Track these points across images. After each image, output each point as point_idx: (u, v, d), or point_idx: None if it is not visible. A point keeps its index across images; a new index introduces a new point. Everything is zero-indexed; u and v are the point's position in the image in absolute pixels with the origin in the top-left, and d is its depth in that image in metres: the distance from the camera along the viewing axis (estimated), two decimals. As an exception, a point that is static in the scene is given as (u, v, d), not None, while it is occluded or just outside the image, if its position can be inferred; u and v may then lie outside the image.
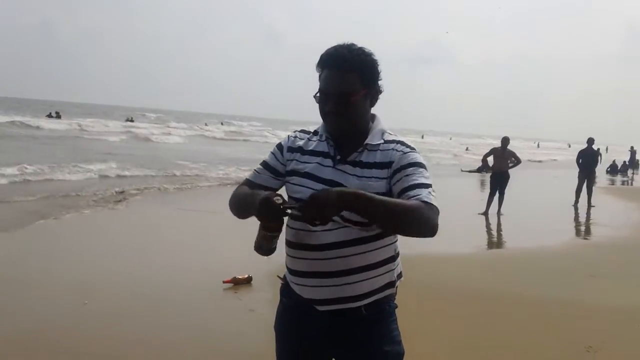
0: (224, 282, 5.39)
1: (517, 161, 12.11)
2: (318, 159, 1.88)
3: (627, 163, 32.00)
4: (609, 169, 29.56)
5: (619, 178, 27.96)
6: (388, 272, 1.88)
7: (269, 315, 2.18)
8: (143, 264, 6.24)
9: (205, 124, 54.56)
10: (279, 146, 1.99)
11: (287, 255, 1.94)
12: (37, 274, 5.63)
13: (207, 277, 5.62)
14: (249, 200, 1.81)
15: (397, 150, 1.83)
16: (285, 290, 1.99)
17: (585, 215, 12.73)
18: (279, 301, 2.04)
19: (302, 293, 1.90)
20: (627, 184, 25.35)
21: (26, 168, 12.59)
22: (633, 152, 33.71)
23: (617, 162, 30.82)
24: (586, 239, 10.11)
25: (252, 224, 1.86)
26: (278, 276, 2.06)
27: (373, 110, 1.92)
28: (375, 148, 1.85)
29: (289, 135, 2.01)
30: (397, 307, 1.96)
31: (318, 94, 1.85)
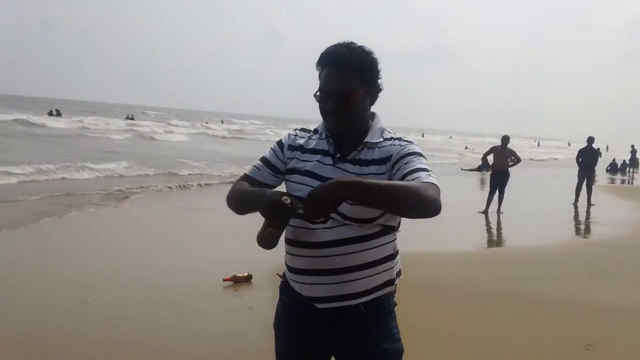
0: (224, 280, 5.39)
1: (517, 160, 12.12)
2: (318, 157, 1.89)
3: (626, 162, 32.00)
4: (608, 168, 29.57)
5: (618, 177, 27.97)
6: (387, 270, 1.88)
7: (269, 313, 2.18)
8: (144, 262, 6.25)
9: (206, 122, 54.51)
10: (280, 144, 1.99)
11: (287, 253, 1.94)
12: (37, 272, 5.64)
13: (207, 275, 5.63)
14: (255, 198, 1.80)
15: (394, 145, 1.84)
16: (285, 288, 1.99)
17: (585, 214, 12.74)
18: (278, 299, 2.04)
19: (302, 291, 1.90)
20: (627, 183, 25.36)
21: (36, 167, 12.59)
22: (634, 151, 33.72)
23: (617, 161, 30.83)
24: (586, 237, 10.11)
25: (253, 223, 1.87)
26: (277, 274, 2.06)
27: (373, 109, 1.92)
28: (374, 146, 1.85)
29: (289, 134, 2.01)
30: (396, 304, 1.96)
31: (318, 93, 1.85)
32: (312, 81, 1.88)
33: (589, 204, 13.70)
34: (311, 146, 1.93)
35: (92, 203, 9.76)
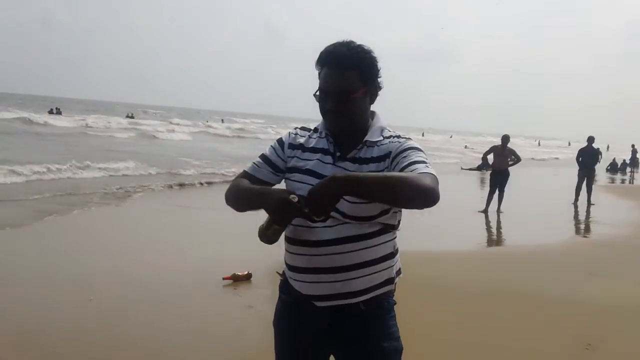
0: (223, 278, 5.40)
1: (517, 159, 12.12)
2: (318, 156, 1.89)
3: (626, 161, 32.01)
4: (608, 167, 29.58)
5: (618, 176, 27.97)
6: (387, 268, 1.88)
7: (269, 311, 2.18)
8: (144, 261, 6.26)
9: (207, 121, 54.54)
10: (280, 142, 1.99)
11: (286, 251, 1.95)
12: (37, 271, 5.64)
13: (207, 274, 5.63)
14: (259, 196, 1.80)
15: (393, 142, 1.84)
16: (284, 286, 1.99)
17: (585, 213, 12.74)
18: (278, 298, 2.04)
19: (301, 289, 1.91)
20: (627, 183, 25.36)
21: (39, 166, 12.56)
22: (634, 150, 33.72)
23: (617, 161, 30.83)
24: (586, 236, 10.11)
25: (253, 222, 1.87)
26: (277, 272, 2.07)
27: (373, 107, 1.93)
28: (374, 144, 1.85)
29: (289, 132, 2.01)
30: (395, 303, 1.96)
31: (318, 93, 1.85)
32: (312, 80, 1.88)
33: (589, 204, 13.71)
34: (311, 145, 1.93)
35: (94, 202, 9.78)
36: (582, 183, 14.00)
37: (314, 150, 1.91)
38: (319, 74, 1.85)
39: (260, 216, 1.78)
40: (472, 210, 11.52)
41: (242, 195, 1.92)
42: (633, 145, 34.27)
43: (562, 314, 5.07)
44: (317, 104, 1.87)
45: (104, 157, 15.83)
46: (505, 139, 12.12)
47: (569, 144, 77.37)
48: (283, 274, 2.01)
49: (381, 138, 1.86)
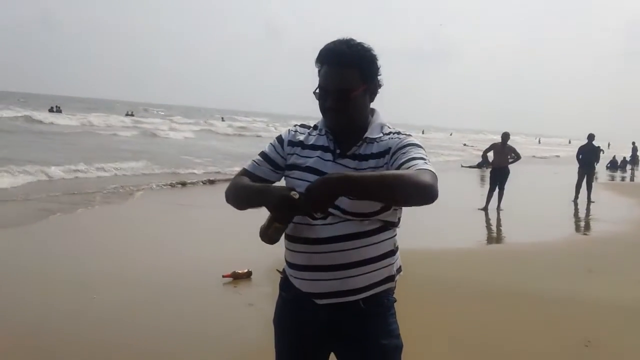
0: (223, 276, 5.40)
1: (517, 157, 12.12)
2: (318, 153, 1.89)
3: (627, 159, 31.97)
4: (608, 165, 29.57)
5: (618, 174, 27.96)
6: (387, 266, 1.88)
7: (269, 309, 2.18)
8: (144, 259, 6.27)
9: (205, 121, 54.52)
10: (279, 139, 1.99)
11: (287, 248, 1.95)
12: (38, 270, 5.66)
13: (207, 272, 5.63)
14: (260, 194, 1.80)
15: (393, 138, 1.84)
16: (285, 284, 1.99)
17: (585, 211, 12.74)
18: (278, 295, 2.05)
19: (301, 287, 1.91)
20: (628, 180, 25.34)
21: (44, 166, 12.55)
22: (634, 148, 33.67)
23: (617, 158, 30.81)
24: (586, 234, 10.12)
25: (253, 220, 1.87)
26: (277, 270, 2.06)
27: (373, 105, 1.93)
28: (373, 141, 1.85)
29: (289, 129, 2.01)
30: (396, 301, 1.96)
31: (317, 90, 1.85)
32: (313, 79, 1.87)
33: (589, 201, 13.71)
34: (311, 142, 1.93)
35: (97, 201, 9.80)
36: (582, 181, 13.99)
37: (313, 147, 1.91)
38: (319, 71, 1.85)
39: (261, 214, 1.78)
40: (472, 208, 11.53)
41: (242, 194, 1.92)
42: (633, 143, 34.22)
43: (562, 312, 5.07)
44: (317, 101, 1.87)
45: (107, 156, 15.85)
46: (505, 136, 12.11)
47: (570, 142, 77.30)
48: (283, 272, 2.01)
49: (381, 135, 1.86)
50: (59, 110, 44.15)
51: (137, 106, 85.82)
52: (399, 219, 1.91)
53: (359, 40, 1.84)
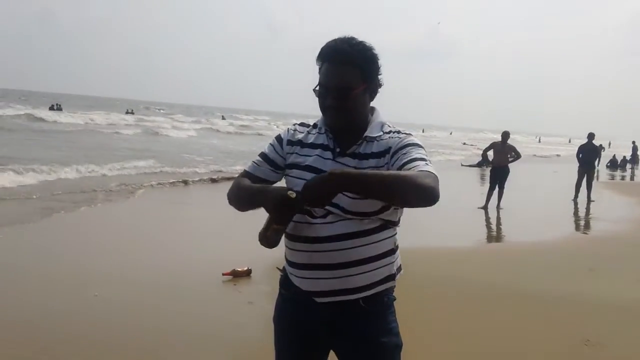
0: (223, 274, 5.40)
1: (517, 155, 12.10)
2: (317, 152, 1.89)
3: (627, 158, 31.95)
4: (608, 164, 29.57)
5: (618, 173, 27.95)
6: (387, 265, 1.88)
7: (268, 307, 2.19)
8: (143, 257, 6.28)
9: (207, 119, 54.55)
10: (278, 138, 2.00)
11: (287, 247, 1.95)
12: (40, 268, 5.67)
13: (207, 270, 5.64)
14: (258, 195, 1.81)
15: (393, 137, 1.84)
16: (285, 282, 2.00)
17: (585, 210, 12.74)
18: (278, 293, 2.05)
19: (301, 285, 1.91)
20: (628, 179, 25.33)
21: (48, 165, 12.49)
22: (635, 147, 33.62)
23: (617, 157, 30.79)
24: (585, 233, 10.12)
25: (253, 218, 1.87)
26: (277, 268, 2.07)
27: (373, 104, 1.92)
28: (373, 140, 1.85)
29: (288, 128, 2.01)
30: (395, 299, 1.96)
31: (317, 88, 1.85)
32: (314, 77, 1.87)
33: (589, 200, 13.70)
34: (310, 141, 1.93)
35: (99, 199, 9.82)
36: (582, 180, 13.98)
37: (313, 146, 1.91)
38: (320, 69, 1.85)
39: (261, 213, 1.79)
40: (472, 207, 11.52)
41: (242, 195, 1.93)
42: (634, 142, 34.17)
43: (562, 310, 5.07)
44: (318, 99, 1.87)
45: (110, 154, 15.87)
46: (505, 135, 12.10)
47: (570, 141, 77.26)
48: (283, 270, 2.01)
49: (381, 133, 1.86)
50: (59, 108, 44.17)
51: (138, 104, 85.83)
52: (400, 218, 1.91)
53: (360, 39, 1.84)
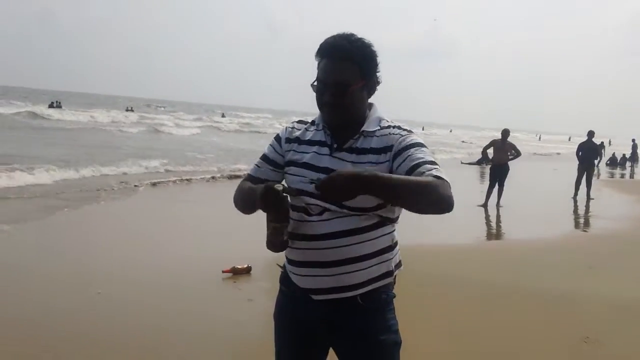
0: (223, 272, 5.41)
1: (517, 153, 12.10)
2: (315, 148, 1.89)
3: (626, 156, 31.91)
4: (608, 162, 29.55)
5: (618, 171, 27.93)
6: (385, 261, 1.88)
7: (268, 305, 2.19)
8: (143, 255, 6.28)
9: (209, 117, 54.50)
10: (277, 138, 2.00)
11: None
12: (41, 267, 5.69)
13: (207, 267, 5.64)
14: (252, 194, 1.83)
15: (394, 134, 1.83)
16: (285, 279, 2.00)
17: (585, 208, 12.73)
18: (278, 290, 2.05)
19: (299, 282, 1.92)
20: (628, 177, 25.32)
21: (52, 164, 12.39)
22: (634, 145, 33.57)
23: (616, 155, 30.76)
24: (585, 231, 10.12)
25: (253, 216, 1.88)
26: (278, 265, 2.08)
27: (371, 100, 1.92)
28: (371, 134, 1.85)
29: (286, 127, 2.02)
30: (395, 296, 1.96)
31: (316, 83, 1.85)
32: (314, 74, 1.87)
33: (589, 198, 13.70)
34: (308, 138, 1.93)
35: (102, 197, 9.82)
36: (581, 177, 13.97)
37: (310, 142, 1.91)
38: (318, 64, 1.85)
39: (261, 212, 1.80)
40: (472, 205, 11.52)
41: (242, 197, 1.95)
42: (634, 140, 34.11)
43: (561, 308, 5.08)
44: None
45: (112, 152, 15.83)
46: (505, 133, 12.09)
47: (569, 139, 77.18)
48: (283, 267, 2.02)
49: (378, 128, 1.86)
50: (59, 106, 44.11)
51: (138, 102, 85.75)
52: (398, 215, 1.91)
53: (359, 36, 1.84)
